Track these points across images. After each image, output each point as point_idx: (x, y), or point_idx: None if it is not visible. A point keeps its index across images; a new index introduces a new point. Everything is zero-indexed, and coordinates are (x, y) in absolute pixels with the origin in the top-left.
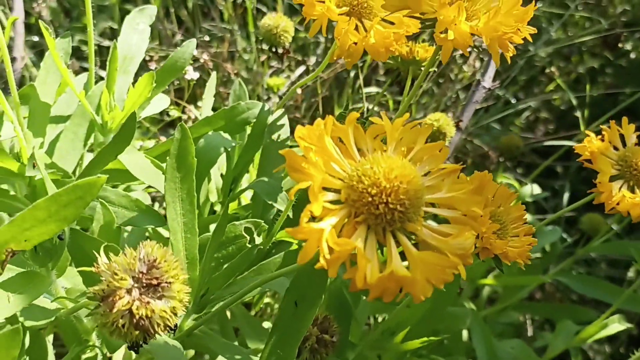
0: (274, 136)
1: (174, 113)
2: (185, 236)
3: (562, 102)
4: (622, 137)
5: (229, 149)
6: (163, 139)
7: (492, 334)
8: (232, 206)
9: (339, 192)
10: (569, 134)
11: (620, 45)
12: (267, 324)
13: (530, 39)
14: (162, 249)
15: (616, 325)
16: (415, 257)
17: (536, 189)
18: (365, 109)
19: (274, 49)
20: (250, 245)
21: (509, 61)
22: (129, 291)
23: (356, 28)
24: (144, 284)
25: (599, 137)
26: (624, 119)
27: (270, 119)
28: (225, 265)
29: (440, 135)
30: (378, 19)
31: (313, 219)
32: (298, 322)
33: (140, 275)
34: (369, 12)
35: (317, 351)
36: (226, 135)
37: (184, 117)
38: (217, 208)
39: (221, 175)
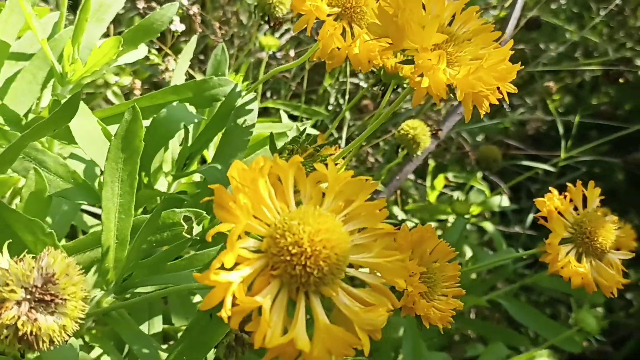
0: (240, 120)
1: (154, 58)
2: (119, 217)
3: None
4: (585, 198)
5: (193, 123)
6: (138, 84)
7: (424, 341)
8: (186, 180)
9: (262, 239)
10: (550, 154)
11: (621, 80)
12: (198, 298)
13: (507, 99)
14: (67, 260)
15: (543, 359)
16: (321, 328)
17: (505, 201)
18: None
19: (266, 18)
20: (187, 236)
21: (482, 116)
22: (18, 303)
23: (344, 31)
24: (36, 298)
25: (562, 194)
26: (591, 183)
27: (241, 101)
28: (157, 251)
29: (414, 144)
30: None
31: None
32: (209, 335)
33: (34, 289)
34: (360, 18)
35: (234, 349)
36: (191, 109)
37: (162, 66)
38: (170, 179)
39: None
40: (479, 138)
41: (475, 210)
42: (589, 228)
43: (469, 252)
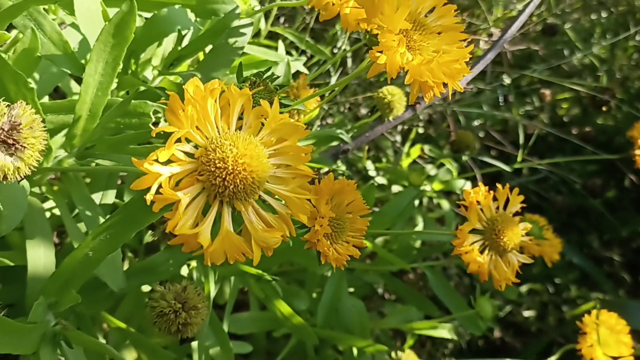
0: (231, 40)
1: None
2: (96, 94)
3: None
4: (508, 201)
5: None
6: None
7: (349, 286)
8: (173, 79)
9: (197, 148)
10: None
11: (604, 108)
12: None
13: (449, 96)
14: (34, 116)
15: (444, 332)
16: (223, 232)
17: (467, 186)
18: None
19: None
20: (152, 127)
21: (427, 102)
22: None
23: None
24: (0, 139)
25: (491, 192)
26: (515, 190)
27: (237, 23)
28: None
29: (388, 109)
30: None
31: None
32: (143, 215)
33: (0, 131)
34: None
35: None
36: (192, 16)
37: None
38: (156, 73)
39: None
40: (476, 122)
41: (437, 186)
42: (499, 227)
43: (420, 222)
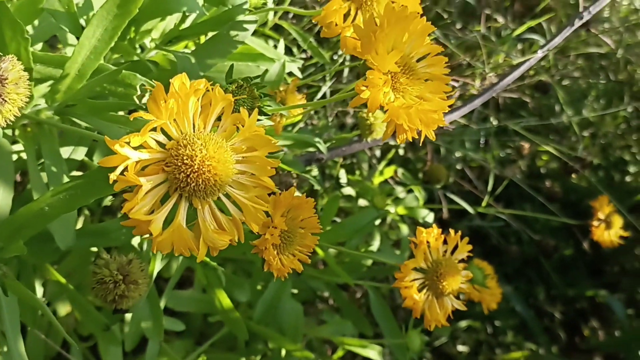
0: (232, 32)
1: None
2: (89, 56)
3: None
4: (457, 247)
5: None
6: None
7: (293, 287)
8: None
9: (170, 140)
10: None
11: (573, 176)
12: None
13: (421, 143)
14: (21, 73)
15: (372, 353)
16: (174, 224)
17: (430, 217)
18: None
19: None
20: (136, 100)
21: (399, 143)
22: None
23: (348, 12)
24: None
25: (442, 235)
26: (466, 239)
27: (242, 17)
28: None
29: (368, 131)
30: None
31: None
32: (103, 184)
33: None
34: (368, 10)
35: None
36: (200, 1)
37: None
38: (153, 45)
39: None
40: (457, 154)
41: (401, 211)
42: (442, 270)
43: (377, 241)
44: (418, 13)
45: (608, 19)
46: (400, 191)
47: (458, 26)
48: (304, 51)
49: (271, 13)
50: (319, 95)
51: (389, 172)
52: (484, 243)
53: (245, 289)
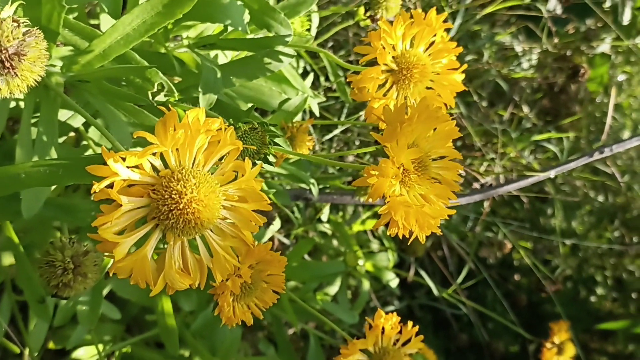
0: (266, 60)
1: None
2: (118, 41)
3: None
4: (409, 341)
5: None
6: None
7: None
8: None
9: (166, 168)
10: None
11: (543, 295)
12: None
13: (423, 239)
14: (43, 52)
15: None
16: (139, 253)
17: (394, 283)
18: None
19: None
20: (149, 97)
21: (389, 234)
22: None
23: (384, 83)
24: (1, 58)
25: (399, 325)
26: (420, 337)
27: (282, 49)
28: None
29: (363, 191)
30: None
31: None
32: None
33: (5, 51)
34: (405, 87)
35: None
36: (247, 18)
37: None
38: (185, 42)
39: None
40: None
41: (369, 267)
42: (386, 357)
43: (336, 287)
44: (450, 116)
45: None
46: (375, 246)
47: (484, 103)
48: (328, 78)
49: (313, 32)
50: (330, 135)
51: (370, 224)
52: (438, 313)
53: (192, 299)
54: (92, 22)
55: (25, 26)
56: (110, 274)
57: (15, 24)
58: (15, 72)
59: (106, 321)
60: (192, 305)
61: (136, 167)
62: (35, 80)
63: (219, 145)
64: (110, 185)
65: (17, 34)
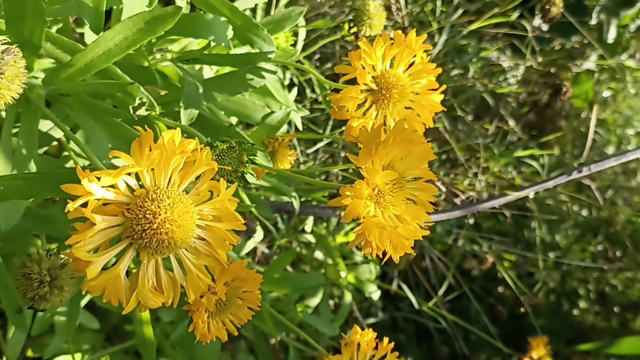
0: (249, 76)
1: None
2: (100, 56)
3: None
4: (385, 357)
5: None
6: None
7: None
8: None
9: (141, 188)
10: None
11: (522, 310)
12: None
13: (395, 260)
14: (21, 71)
15: None
16: (111, 272)
17: (376, 295)
18: None
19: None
20: (130, 112)
21: (362, 253)
22: None
23: (364, 102)
24: None
25: (375, 341)
26: (395, 353)
27: (265, 65)
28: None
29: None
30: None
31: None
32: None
33: None
34: (384, 107)
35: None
36: (230, 34)
37: None
38: (169, 57)
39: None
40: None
41: (351, 279)
42: None
43: (317, 299)
44: (425, 138)
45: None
46: (358, 258)
47: (470, 117)
48: (314, 89)
49: (300, 46)
50: (315, 148)
51: (354, 236)
52: (421, 324)
53: (172, 309)
54: (79, 30)
55: (4, 44)
56: (83, 292)
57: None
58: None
59: (85, 330)
60: (171, 316)
61: (111, 186)
62: (13, 98)
63: (194, 165)
64: (85, 204)
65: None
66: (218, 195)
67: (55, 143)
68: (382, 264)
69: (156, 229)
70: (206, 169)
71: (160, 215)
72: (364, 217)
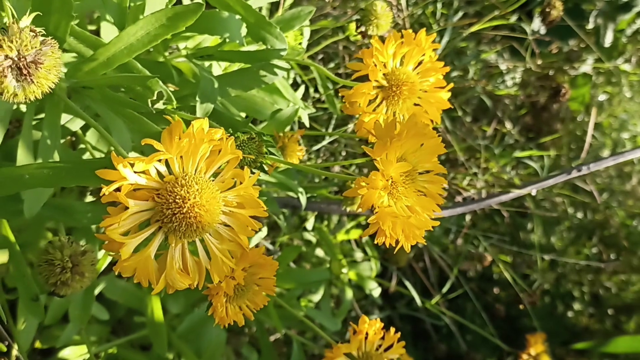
0: (262, 72)
1: None
2: (122, 51)
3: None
4: (392, 346)
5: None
6: None
7: None
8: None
9: (170, 175)
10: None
11: (521, 306)
12: None
13: (406, 249)
14: (58, 61)
15: None
16: (143, 253)
17: (376, 292)
18: None
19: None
20: (149, 105)
21: (376, 242)
22: (6, 57)
23: (375, 98)
24: (18, 65)
25: (382, 331)
26: (402, 343)
27: (277, 62)
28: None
29: (350, 201)
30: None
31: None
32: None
33: (23, 59)
34: (395, 103)
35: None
36: (244, 32)
37: None
38: (183, 52)
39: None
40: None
41: (352, 276)
42: (368, 357)
43: (319, 295)
44: (436, 131)
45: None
46: (358, 255)
47: (468, 119)
48: (317, 88)
49: (305, 44)
50: (318, 146)
51: (354, 234)
52: (417, 324)
53: (179, 301)
54: (90, 27)
55: (42, 35)
56: (116, 273)
57: (33, 34)
58: (31, 79)
59: (93, 322)
60: (179, 308)
61: (142, 172)
62: (50, 87)
63: (220, 154)
64: (118, 189)
65: (35, 43)
66: (241, 183)
67: (68, 137)
68: (395, 252)
69: (186, 213)
70: (231, 157)
71: (189, 200)
72: (378, 207)
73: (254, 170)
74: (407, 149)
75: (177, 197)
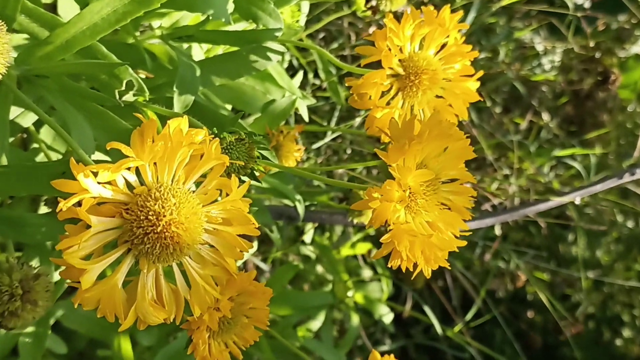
0: (252, 57)
1: None
2: (84, 32)
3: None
4: None
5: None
6: None
7: None
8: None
9: (142, 186)
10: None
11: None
12: None
13: (426, 274)
14: (5, 48)
15: None
16: (107, 282)
17: (388, 318)
18: None
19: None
20: (116, 97)
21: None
22: None
23: (389, 89)
24: None
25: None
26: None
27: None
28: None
29: (357, 212)
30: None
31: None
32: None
33: None
34: (412, 95)
35: None
36: (231, 8)
37: None
38: (157, 33)
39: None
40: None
41: (359, 299)
42: None
43: (319, 322)
44: (465, 133)
45: None
46: (366, 274)
47: (498, 110)
48: (317, 74)
49: (303, 22)
50: (320, 143)
51: (362, 248)
52: (437, 356)
53: (152, 332)
54: (45, 1)
55: None
56: (75, 305)
57: None
58: None
59: (48, 356)
60: (151, 340)
61: (108, 182)
62: None
63: (203, 159)
64: (78, 203)
65: None
66: (228, 195)
67: (18, 135)
68: (400, 279)
69: (160, 232)
70: (216, 164)
71: (165, 216)
72: (393, 223)
73: (243, 179)
74: (429, 153)
75: (150, 213)
